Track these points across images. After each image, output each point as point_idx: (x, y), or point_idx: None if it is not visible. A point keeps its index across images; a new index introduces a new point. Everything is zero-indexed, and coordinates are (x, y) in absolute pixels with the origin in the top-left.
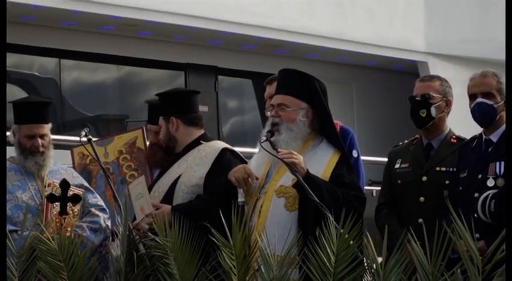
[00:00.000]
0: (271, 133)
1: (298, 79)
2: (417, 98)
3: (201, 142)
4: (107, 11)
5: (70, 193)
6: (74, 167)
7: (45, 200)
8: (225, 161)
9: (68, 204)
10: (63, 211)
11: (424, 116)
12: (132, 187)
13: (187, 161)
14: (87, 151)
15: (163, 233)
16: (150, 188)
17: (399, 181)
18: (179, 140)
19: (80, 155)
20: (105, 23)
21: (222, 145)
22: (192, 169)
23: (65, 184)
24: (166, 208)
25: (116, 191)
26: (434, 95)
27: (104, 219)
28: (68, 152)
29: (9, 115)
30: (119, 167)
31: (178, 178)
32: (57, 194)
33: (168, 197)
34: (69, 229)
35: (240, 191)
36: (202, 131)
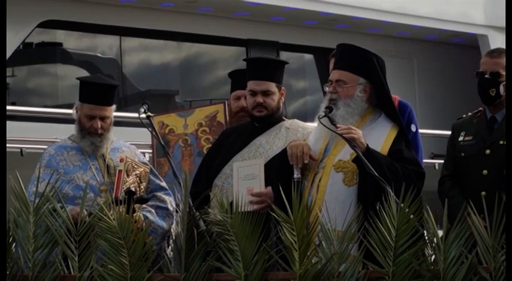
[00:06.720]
0: (329, 109)
1: (355, 54)
2: (486, 76)
3: (284, 118)
4: None
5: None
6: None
7: (117, 176)
8: None
9: (136, 182)
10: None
11: (493, 95)
12: (242, 165)
13: (280, 138)
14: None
15: (224, 209)
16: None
17: (463, 154)
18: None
19: (160, 124)
20: None
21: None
22: None
23: (130, 193)
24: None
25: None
26: (503, 73)
27: (170, 203)
28: (128, 129)
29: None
30: (197, 140)
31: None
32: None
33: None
34: (137, 213)
35: (296, 167)
36: None
